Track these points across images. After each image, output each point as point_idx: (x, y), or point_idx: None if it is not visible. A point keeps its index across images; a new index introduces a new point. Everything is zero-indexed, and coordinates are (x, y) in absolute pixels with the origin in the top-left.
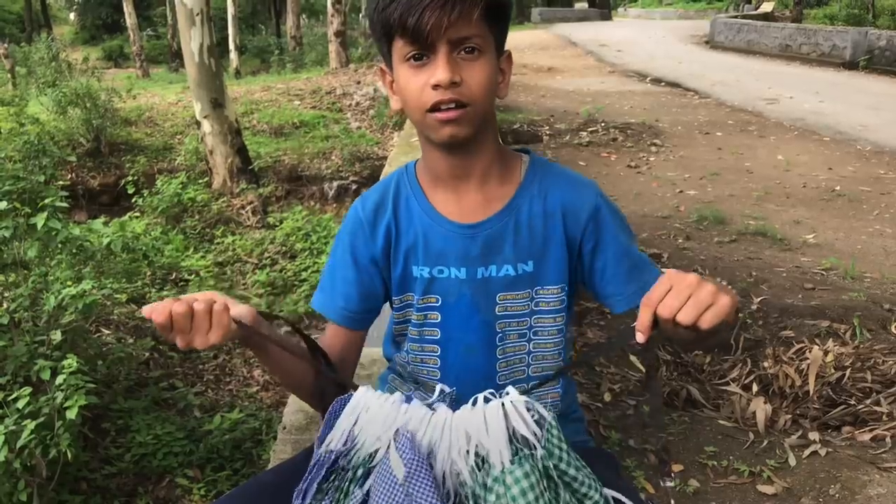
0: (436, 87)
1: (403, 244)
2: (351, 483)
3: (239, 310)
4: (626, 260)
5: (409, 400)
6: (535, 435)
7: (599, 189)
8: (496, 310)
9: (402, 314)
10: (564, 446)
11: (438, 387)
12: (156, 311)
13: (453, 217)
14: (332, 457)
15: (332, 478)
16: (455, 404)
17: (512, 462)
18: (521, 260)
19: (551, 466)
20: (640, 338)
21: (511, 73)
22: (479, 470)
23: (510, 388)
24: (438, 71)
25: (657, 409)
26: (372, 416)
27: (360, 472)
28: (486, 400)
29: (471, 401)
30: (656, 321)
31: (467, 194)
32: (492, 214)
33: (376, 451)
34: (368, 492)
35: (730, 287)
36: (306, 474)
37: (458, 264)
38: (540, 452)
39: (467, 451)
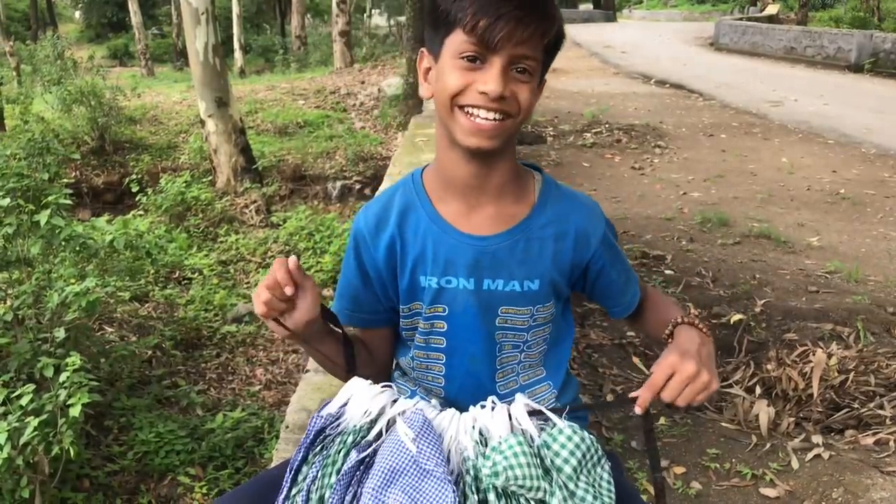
0: (482, 93)
1: (410, 254)
2: (339, 453)
3: (293, 325)
4: (623, 275)
5: (412, 396)
6: (535, 428)
7: (601, 210)
8: (496, 321)
9: (409, 322)
10: (567, 452)
11: (434, 402)
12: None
13: (462, 227)
14: (322, 422)
15: (320, 448)
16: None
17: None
18: (527, 278)
19: (548, 457)
20: (638, 410)
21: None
22: (482, 445)
23: (518, 396)
24: (492, 82)
25: (655, 460)
26: (362, 397)
27: (349, 439)
28: (493, 406)
29: (479, 405)
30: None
31: (480, 206)
32: (503, 230)
33: (367, 426)
34: (365, 458)
35: (714, 362)
36: (297, 449)
37: (467, 275)
38: (538, 441)
39: (472, 427)
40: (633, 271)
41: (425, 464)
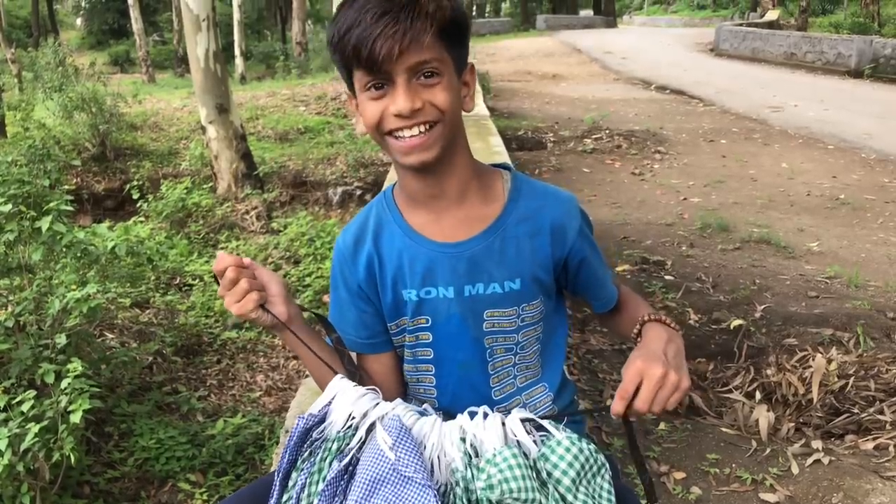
0: (398, 115)
1: (389, 271)
2: (324, 461)
3: (279, 310)
4: (601, 268)
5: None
6: (532, 441)
7: (578, 203)
8: (484, 326)
9: (398, 339)
10: (566, 463)
11: (425, 406)
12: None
13: (435, 237)
14: (305, 424)
15: (308, 454)
16: (449, 418)
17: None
18: (508, 278)
19: (545, 469)
20: (614, 416)
21: (475, 85)
22: (473, 457)
23: (514, 410)
24: (398, 100)
25: (640, 464)
26: (346, 398)
27: (334, 446)
28: (485, 415)
29: (466, 412)
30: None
31: (446, 213)
32: (477, 233)
33: (351, 430)
34: (347, 466)
35: (684, 360)
36: (282, 453)
37: (446, 283)
38: (534, 454)
39: (462, 439)
40: (606, 265)
41: (405, 471)
